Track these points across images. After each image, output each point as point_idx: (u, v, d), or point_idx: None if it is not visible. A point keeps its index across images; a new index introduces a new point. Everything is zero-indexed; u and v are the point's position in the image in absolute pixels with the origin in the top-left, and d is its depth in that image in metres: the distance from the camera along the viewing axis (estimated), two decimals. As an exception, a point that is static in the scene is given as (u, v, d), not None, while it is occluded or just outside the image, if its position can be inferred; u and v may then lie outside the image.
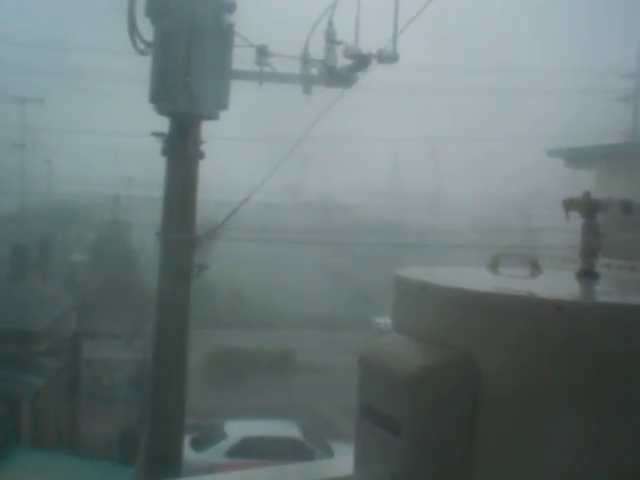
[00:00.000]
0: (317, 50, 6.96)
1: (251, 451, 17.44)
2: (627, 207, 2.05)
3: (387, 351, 1.96)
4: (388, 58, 6.60)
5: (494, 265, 2.14)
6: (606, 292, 2.14)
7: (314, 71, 7.13)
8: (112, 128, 33.67)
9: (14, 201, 29.09)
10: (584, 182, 11.48)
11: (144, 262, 22.41)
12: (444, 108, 39.02)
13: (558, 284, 2.12)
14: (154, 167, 8.17)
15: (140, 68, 7.16)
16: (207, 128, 7.40)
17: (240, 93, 7.56)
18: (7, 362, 13.78)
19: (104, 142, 38.41)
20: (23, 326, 14.08)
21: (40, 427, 14.91)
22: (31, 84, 30.26)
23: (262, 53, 6.97)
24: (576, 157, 11.82)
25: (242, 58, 7.16)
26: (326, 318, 33.52)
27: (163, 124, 7.33)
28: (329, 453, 17.33)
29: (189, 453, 16.80)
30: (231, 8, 6.93)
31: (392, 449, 1.79)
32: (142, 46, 6.82)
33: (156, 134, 7.29)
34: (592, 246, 2.06)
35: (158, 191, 7.71)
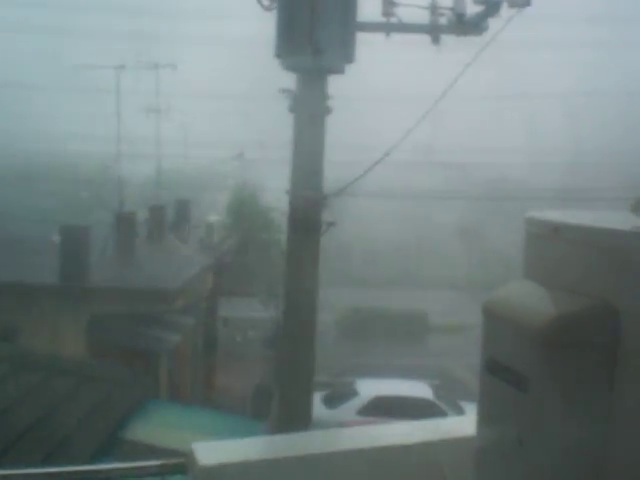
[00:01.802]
0: (446, -2, 6.69)
1: (382, 410, 17.47)
2: None
3: (515, 299, 1.78)
4: (520, 2, 6.26)
5: (637, 207, 1.91)
6: None
7: (443, 20, 6.87)
8: (240, 90, 34.13)
9: (151, 165, 30.09)
10: None
11: (278, 221, 22.69)
12: (576, 62, 37.20)
13: None
14: (284, 127, 8.12)
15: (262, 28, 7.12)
16: (334, 85, 7.30)
17: (366, 47, 7.38)
18: (146, 319, 14.33)
19: (234, 105, 39.03)
20: (161, 285, 14.55)
21: (177, 382, 15.48)
22: (163, 51, 30.99)
23: (388, 3, 6.77)
24: None
25: (368, 10, 6.97)
26: (460, 277, 33.07)
27: (290, 80, 7.28)
28: (461, 414, 17.14)
29: (321, 410, 17.03)
30: (356, -42, 6.76)
31: (519, 407, 1.62)
32: (266, 2, 6.77)
33: (283, 91, 7.25)
34: None
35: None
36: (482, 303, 1.81)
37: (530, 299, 1.75)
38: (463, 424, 2.37)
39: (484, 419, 1.85)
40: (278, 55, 6.90)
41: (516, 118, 41.38)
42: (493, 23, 6.75)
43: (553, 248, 1.75)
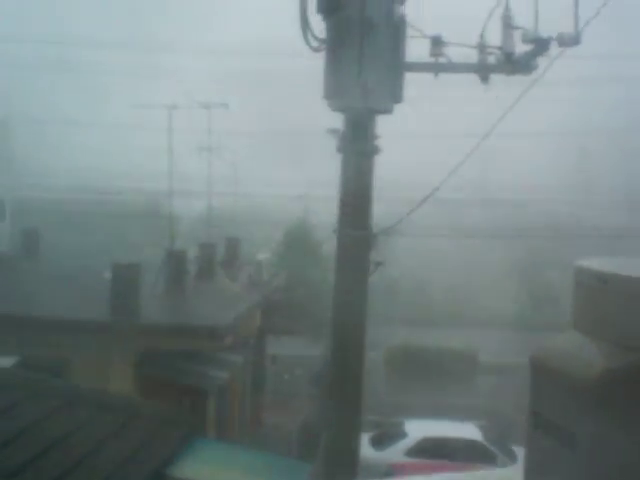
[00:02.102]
0: (494, 37, 6.67)
1: (431, 452, 17.22)
2: None
3: (563, 352, 1.72)
4: (569, 41, 6.21)
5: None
6: None
7: (491, 59, 6.85)
8: (290, 128, 34.44)
9: (203, 203, 30.43)
10: None
11: (327, 260, 22.71)
12: (627, 98, 36.74)
13: None
14: (335, 165, 8.17)
15: (312, 66, 7.18)
16: (383, 124, 7.31)
17: (415, 86, 7.40)
18: (195, 356, 14.38)
19: (284, 142, 39.40)
20: (210, 322, 14.59)
21: (224, 419, 15.45)
22: (213, 90, 31.49)
23: (436, 43, 6.77)
24: None
25: (415, 50, 6.99)
26: (511, 317, 32.59)
27: (339, 121, 7.31)
28: (511, 456, 16.79)
29: (368, 451, 16.85)
30: (402, -1, 6.80)
31: (566, 465, 1.56)
32: (315, 43, 6.82)
33: (331, 131, 7.28)
34: None
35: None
36: (529, 356, 1.76)
37: (578, 352, 1.69)
38: (511, 476, 2.29)
39: (531, 474, 1.79)
40: (327, 96, 6.94)
41: (567, 155, 40.98)
42: (542, 61, 6.71)
43: (602, 299, 1.70)
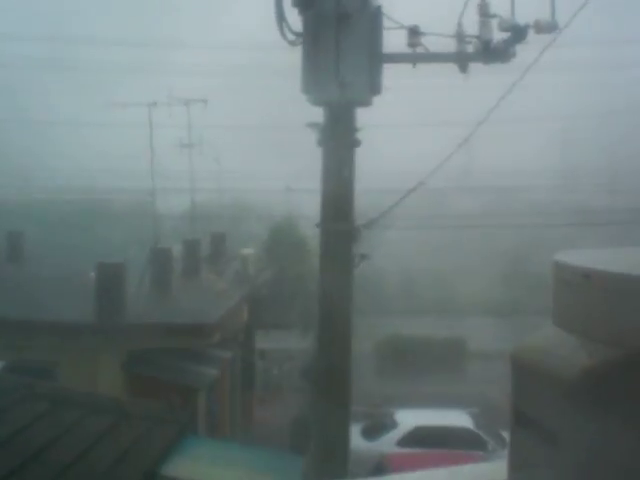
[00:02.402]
0: (471, 26, 6.67)
1: (423, 441, 17.27)
2: None
3: (544, 348, 1.70)
4: (546, 27, 6.22)
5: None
6: None
7: (469, 48, 6.84)
8: (271, 122, 34.32)
9: (186, 200, 30.33)
10: None
11: (313, 253, 22.66)
12: (606, 83, 36.81)
13: None
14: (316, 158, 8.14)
15: (288, 60, 7.16)
16: (363, 115, 7.30)
17: (393, 77, 7.38)
18: (183, 354, 14.35)
19: (265, 136, 39.33)
20: (198, 319, 14.56)
21: (215, 416, 15.44)
22: (195, 85, 31.33)
23: (413, 33, 6.76)
24: None
25: (393, 40, 6.98)
26: (499, 304, 32.69)
27: (318, 114, 7.29)
28: (502, 443, 16.86)
29: (360, 442, 16.87)
30: (378, -10, 6.78)
31: (548, 463, 1.55)
32: (291, 37, 6.80)
33: (311, 124, 7.26)
34: None
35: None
36: (510, 352, 1.74)
37: (559, 349, 1.67)
38: (493, 469, 2.29)
39: (514, 469, 1.78)
40: (305, 91, 6.92)
41: (549, 140, 41.06)
42: (529, 48, 6.71)
43: (584, 295, 1.67)
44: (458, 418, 18.83)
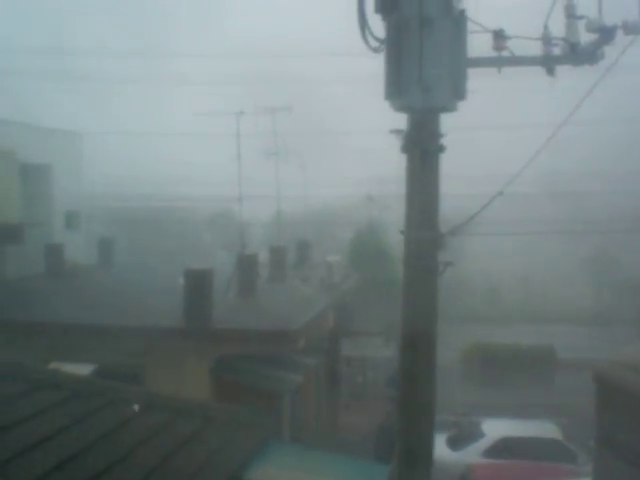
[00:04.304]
0: (557, 28, 6.52)
1: (509, 452, 16.94)
2: None
3: (631, 365, 1.61)
4: (635, 28, 6.02)
5: None
6: None
7: (556, 50, 6.69)
8: (360, 128, 34.34)
9: (272, 207, 30.63)
10: None
11: (397, 260, 22.54)
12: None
13: None
14: (401, 164, 8.08)
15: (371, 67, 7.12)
16: (448, 119, 7.21)
17: (479, 81, 7.26)
18: (269, 360, 14.45)
19: (352, 143, 39.39)
20: (283, 325, 14.64)
21: (299, 422, 15.49)
22: (278, 93, 31.66)
23: (499, 37, 6.64)
24: None
25: (478, 45, 6.87)
26: (588, 312, 31.87)
27: (403, 120, 7.24)
28: (592, 454, 16.38)
29: (445, 452, 16.68)
30: (462, -6, 6.70)
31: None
32: (374, 43, 6.77)
33: (395, 131, 7.21)
34: None
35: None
36: (593, 371, 1.66)
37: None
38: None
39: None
40: (388, 97, 6.88)
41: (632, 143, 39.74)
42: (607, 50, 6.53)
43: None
44: (546, 429, 18.39)
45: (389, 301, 21.93)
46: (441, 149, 7.13)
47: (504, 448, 17.26)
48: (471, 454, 17.35)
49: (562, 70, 6.70)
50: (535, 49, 6.73)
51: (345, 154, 38.95)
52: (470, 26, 6.75)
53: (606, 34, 6.32)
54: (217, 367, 14.02)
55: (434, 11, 6.56)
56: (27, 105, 32.62)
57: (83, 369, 11.49)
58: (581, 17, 6.42)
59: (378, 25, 6.73)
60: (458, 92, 6.85)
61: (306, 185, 36.32)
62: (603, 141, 39.06)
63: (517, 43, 6.70)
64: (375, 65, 6.90)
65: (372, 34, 6.73)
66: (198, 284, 14.93)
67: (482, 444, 17.79)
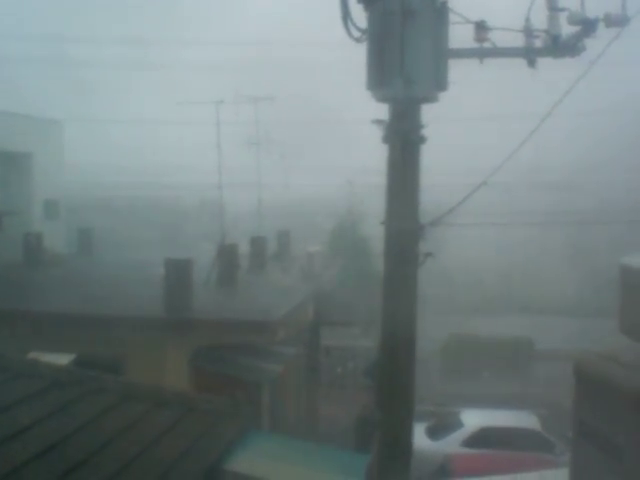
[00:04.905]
0: (539, 20, 6.54)
1: (488, 442, 17.06)
2: None
3: (609, 357, 1.63)
4: (617, 21, 6.05)
5: None
6: None
7: (538, 42, 6.71)
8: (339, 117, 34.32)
9: (252, 196, 30.56)
10: None
11: (378, 250, 22.54)
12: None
13: None
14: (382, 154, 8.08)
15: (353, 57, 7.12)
16: (430, 110, 7.21)
17: (460, 72, 7.27)
18: (248, 350, 14.43)
19: (334, 131, 39.38)
20: (263, 316, 14.64)
21: (279, 412, 15.50)
22: (261, 81, 31.58)
23: (480, 28, 6.66)
24: None
25: (459, 36, 6.87)
26: (568, 303, 32.08)
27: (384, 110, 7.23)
28: (569, 445, 16.53)
29: (424, 442, 16.76)
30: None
31: (612, 476, 1.48)
32: (356, 33, 6.76)
33: (376, 121, 7.21)
34: None
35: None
36: (573, 362, 1.67)
37: (626, 358, 1.60)
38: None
39: (577, 482, 1.72)
40: (370, 87, 6.88)
41: (618, 133, 39.95)
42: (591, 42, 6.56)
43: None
44: (525, 419, 18.52)
45: (369, 291, 21.99)
46: (422, 140, 7.14)
47: (483, 438, 17.37)
48: (450, 444, 17.44)
49: (551, 63, 6.71)
50: (517, 41, 6.75)
51: (328, 144, 38.94)
52: (452, 17, 6.77)
53: (588, 26, 6.35)
54: (196, 357, 14.00)
55: (416, 2, 6.56)
56: (8, 92, 32.35)
57: (62, 359, 11.42)
58: (563, 9, 6.44)
59: (361, 15, 6.72)
60: (440, 83, 6.86)
61: (288, 175, 36.29)
62: (608, 132, 39.18)
63: (499, 35, 6.71)
64: (358, 55, 6.89)
65: (354, 24, 6.73)
66: (178, 274, 14.89)
67: (461, 434, 17.88)
